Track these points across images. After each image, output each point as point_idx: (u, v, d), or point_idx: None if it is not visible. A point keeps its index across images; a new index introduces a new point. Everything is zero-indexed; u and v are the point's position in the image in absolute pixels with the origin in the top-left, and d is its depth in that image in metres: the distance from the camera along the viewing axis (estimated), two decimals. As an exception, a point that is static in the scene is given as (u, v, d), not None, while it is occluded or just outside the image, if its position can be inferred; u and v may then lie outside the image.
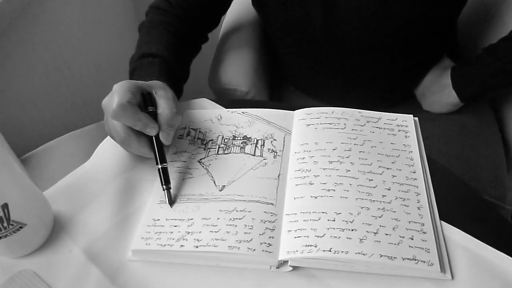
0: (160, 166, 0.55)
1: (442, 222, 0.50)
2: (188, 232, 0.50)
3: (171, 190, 0.54)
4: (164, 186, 0.54)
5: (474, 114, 0.85)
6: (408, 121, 0.60)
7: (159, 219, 0.52)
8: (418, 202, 0.51)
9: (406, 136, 0.58)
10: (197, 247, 0.49)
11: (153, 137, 0.55)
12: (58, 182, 0.59)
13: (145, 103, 0.57)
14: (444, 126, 0.82)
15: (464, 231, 0.49)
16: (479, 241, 0.48)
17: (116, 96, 0.52)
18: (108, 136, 0.64)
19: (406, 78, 0.86)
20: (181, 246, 0.49)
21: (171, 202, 0.54)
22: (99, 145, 0.64)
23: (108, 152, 0.63)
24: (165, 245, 0.49)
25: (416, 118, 0.61)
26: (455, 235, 0.49)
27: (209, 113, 0.65)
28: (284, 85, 0.98)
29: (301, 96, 0.94)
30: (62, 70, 1.07)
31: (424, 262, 0.45)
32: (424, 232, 0.48)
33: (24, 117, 1.05)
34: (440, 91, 0.82)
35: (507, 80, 0.75)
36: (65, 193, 0.58)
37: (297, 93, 0.95)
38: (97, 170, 0.60)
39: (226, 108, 0.66)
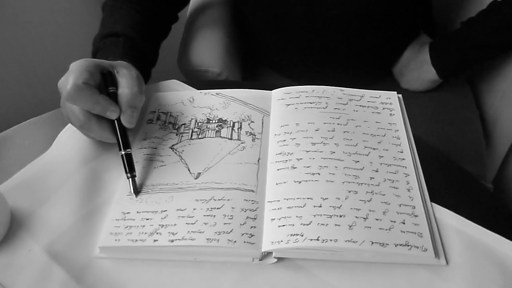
0: (123, 152, 0.50)
1: (433, 204, 0.47)
2: (162, 225, 0.46)
3: (137, 179, 0.50)
4: (129, 174, 0.49)
5: (452, 91, 0.83)
6: (392, 98, 0.57)
7: (129, 212, 0.47)
8: (407, 184, 0.48)
9: (391, 114, 0.55)
10: (172, 241, 0.44)
11: (115, 121, 0.51)
12: (14, 175, 0.53)
13: (105, 83, 0.51)
14: (422, 104, 0.80)
15: (456, 213, 0.46)
16: (473, 223, 0.45)
17: (72, 76, 0.47)
18: (69, 124, 0.59)
19: (382, 55, 0.83)
20: (155, 240, 0.44)
21: (136, 191, 0.49)
22: (59, 133, 0.58)
23: (70, 141, 0.57)
24: (136, 240, 0.45)
25: (400, 95, 0.58)
26: (448, 218, 0.46)
27: (180, 95, 0.60)
28: (257, 65, 0.94)
29: (275, 76, 0.90)
30: (17, 52, 0.99)
31: (418, 247, 0.42)
32: (416, 216, 0.45)
33: None
34: (418, 68, 0.80)
35: (486, 53, 0.73)
36: (22, 187, 0.52)
37: (271, 73, 0.91)
38: (58, 160, 0.55)
39: (199, 89, 0.61)
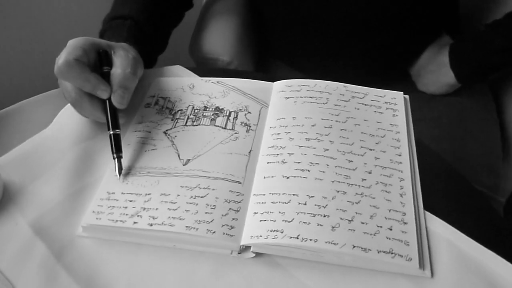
0: (111, 132, 0.50)
1: (426, 212, 0.45)
2: (144, 208, 0.45)
3: (127, 161, 0.49)
4: (115, 155, 0.49)
5: (471, 96, 0.79)
6: (397, 98, 0.54)
7: (114, 192, 0.47)
8: (401, 189, 0.45)
9: (394, 114, 0.53)
10: (151, 225, 0.44)
11: (106, 101, 0.50)
12: (12, 150, 0.54)
13: (100, 62, 0.51)
14: (438, 108, 0.77)
15: (450, 223, 0.44)
16: (465, 235, 0.42)
17: (64, 52, 0.47)
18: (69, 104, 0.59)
19: (400, 55, 0.80)
20: (134, 223, 0.44)
21: (120, 172, 0.49)
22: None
23: (69, 119, 0.57)
24: (117, 220, 0.44)
25: (407, 96, 0.55)
26: (439, 228, 0.44)
27: (181, 81, 0.59)
28: (270, 57, 0.92)
29: (287, 69, 0.88)
30: (28, 31, 1.00)
31: (402, 256, 0.40)
32: (405, 223, 0.43)
33: None
34: (436, 70, 0.76)
35: (509, 59, 0.69)
36: (18, 162, 0.53)
37: (283, 66, 0.89)
38: (55, 138, 0.55)
39: (202, 77, 0.60)
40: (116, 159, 0.49)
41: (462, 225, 0.44)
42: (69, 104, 0.58)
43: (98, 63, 0.51)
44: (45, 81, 0.93)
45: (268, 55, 0.92)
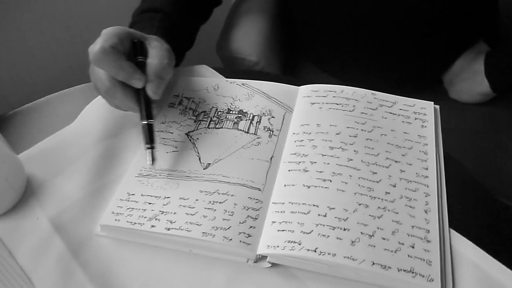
0: (145, 122, 0.49)
1: (451, 230, 0.43)
2: (162, 212, 0.45)
3: (146, 162, 0.49)
4: (148, 145, 0.48)
5: (506, 106, 0.76)
6: (427, 108, 0.52)
7: (134, 194, 0.47)
8: (426, 205, 0.44)
9: (423, 125, 0.51)
10: (168, 229, 0.43)
11: (140, 90, 0.50)
12: (37, 144, 0.55)
13: (135, 52, 0.51)
14: (471, 117, 0.74)
15: (476, 243, 0.42)
16: (492, 258, 0.40)
17: (100, 39, 0.47)
18: (96, 98, 0.59)
19: (434, 61, 0.77)
20: (152, 226, 0.44)
21: (153, 161, 0.48)
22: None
23: (94, 115, 0.58)
24: (135, 223, 0.44)
25: (437, 106, 0.53)
26: (465, 248, 0.42)
27: (206, 81, 0.59)
28: (299, 59, 0.91)
29: (317, 73, 0.87)
30: (59, 25, 1.02)
31: (423, 276, 0.38)
32: (429, 241, 0.41)
33: (15, 72, 1.02)
34: (470, 78, 0.73)
35: None
36: (41, 156, 0.53)
37: (313, 68, 0.87)
38: (79, 133, 0.56)
39: (228, 78, 0.59)
40: (149, 150, 0.48)
41: (490, 246, 0.42)
42: (94, 100, 0.59)
43: (133, 52, 0.50)
44: (73, 75, 0.95)
45: (298, 57, 0.91)
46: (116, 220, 0.45)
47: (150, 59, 0.50)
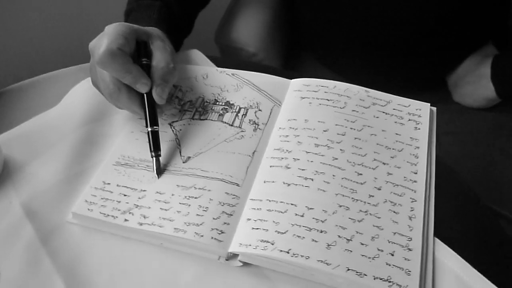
0: (150, 129, 0.47)
1: (436, 239, 0.40)
2: (137, 206, 0.43)
3: (128, 150, 0.48)
4: (153, 153, 0.46)
5: (510, 113, 0.72)
6: (422, 110, 0.50)
7: (109, 183, 0.45)
8: (411, 211, 0.41)
9: (416, 127, 0.48)
10: (141, 224, 0.42)
11: (145, 95, 0.47)
12: (18, 126, 0.53)
13: (138, 53, 0.48)
14: (473, 122, 0.71)
15: (462, 255, 0.39)
16: (476, 271, 0.38)
17: (106, 39, 0.44)
18: (83, 81, 0.57)
19: (440, 61, 0.74)
20: (125, 220, 0.42)
21: (159, 172, 0.46)
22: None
23: (78, 98, 0.56)
24: (108, 215, 0.43)
25: (434, 109, 0.51)
26: (449, 259, 0.39)
27: (195, 70, 0.57)
28: (302, 54, 0.88)
29: (318, 67, 0.84)
30: (51, 4, 1.00)
31: (400, 286, 0.36)
32: (410, 249, 0.39)
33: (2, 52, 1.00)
34: (475, 81, 0.70)
35: None
36: (22, 138, 0.52)
37: (314, 63, 0.85)
38: (62, 117, 0.54)
39: (219, 66, 0.57)
40: (154, 158, 0.46)
41: (476, 258, 0.39)
42: (80, 83, 0.57)
43: (136, 54, 0.48)
44: (62, 57, 0.93)
45: (300, 51, 0.88)
46: (89, 210, 0.43)
47: (156, 62, 0.48)
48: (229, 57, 0.78)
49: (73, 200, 0.45)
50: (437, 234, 0.41)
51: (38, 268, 0.41)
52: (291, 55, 0.88)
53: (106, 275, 0.41)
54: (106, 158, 0.48)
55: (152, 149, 0.46)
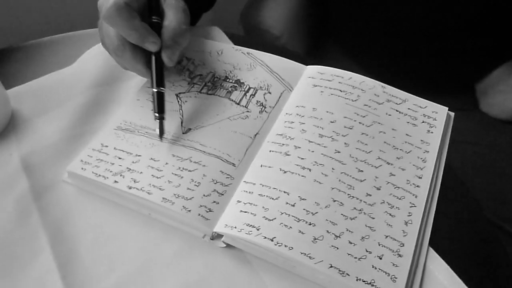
0: (155, 90, 0.45)
1: (430, 249, 0.38)
2: (129, 169, 0.43)
3: (132, 116, 0.47)
4: (157, 115, 0.45)
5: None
6: (439, 113, 0.47)
7: (107, 146, 0.45)
8: (408, 216, 0.39)
9: (429, 131, 0.46)
10: (130, 188, 0.41)
11: (152, 55, 0.46)
12: (30, 81, 0.53)
13: (149, 11, 0.46)
14: (495, 135, 0.67)
15: (455, 269, 0.37)
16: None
17: None
18: (97, 45, 0.57)
19: (471, 66, 0.71)
20: (115, 182, 0.42)
21: (162, 134, 0.45)
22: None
23: (92, 60, 0.56)
24: (99, 175, 0.42)
25: (452, 114, 0.48)
26: (440, 272, 0.37)
27: (211, 45, 0.56)
28: (327, 43, 0.85)
29: (343, 60, 0.81)
30: None
31: (383, 291, 0.35)
32: (400, 255, 0.37)
33: (22, 8, 1.00)
34: (506, 91, 0.67)
35: None
36: (31, 94, 0.52)
37: (340, 54, 0.82)
38: (74, 77, 0.54)
39: (240, 45, 0.55)
40: (158, 120, 0.45)
41: (470, 275, 0.37)
42: (95, 46, 0.57)
43: (147, 11, 0.46)
44: (82, 18, 0.93)
45: (325, 38, 0.85)
46: (82, 169, 0.43)
47: (168, 21, 0.46)
48: (253, 38, 0.76)
49: (71, 160, 0.45)
50: (432, 244, 0.39)
51: (26, 221, 0.41)
52: (316, 44, 0.85)
53: (90, 237, 0.40)
54: (109, 122, 0.48)
55: (156, 111, 0.45)
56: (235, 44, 0.56)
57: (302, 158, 0.42)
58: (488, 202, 0.44)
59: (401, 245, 0.37)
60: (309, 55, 0.82)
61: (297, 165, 0.42)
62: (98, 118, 0.50)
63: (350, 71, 0.50)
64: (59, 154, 0.46)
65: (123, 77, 0.54)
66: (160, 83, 0.45)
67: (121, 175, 0.42)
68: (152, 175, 0.42)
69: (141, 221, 0.41)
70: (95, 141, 0.46)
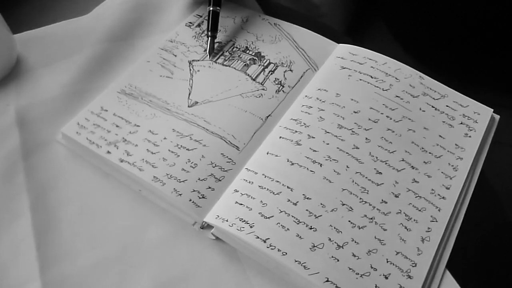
0: (211, 8, 0.46)
1: (447, 273, 0.33)
2: (124, 140, 0.39)
3: (140, 81, 0.44)
4: (210, 33, 0.45)
5: None
6: (482, 115, 0.41)
7: (106, 110, 0.42)
8: (427, 231, 0.34)
9: (466, 134, 0.39)
10: (122, 161, 0.38)
11: None
12: (41, 28, 0.50)
13: None
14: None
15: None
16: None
17: None
18: None
19: None
20: (108, 152, 0.38)
21: (212, 51, 0.46)
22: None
23: (107, 12, 0.52)
24: (93, 143, 0.39)
25: (497, 116, 0.41)
26: (453, 301, 0.32)
27: (238, 11, 0.50)
28: (372, 23, 0.77)
29: (388, 41, 0.73)
30: None
31: (382, 318, 0.30)
32: (410, 277, 0.32)
33: None
34: None
35: None
36: (39, 41, 0.50)
37: (384, 34, 0.74)
38: (86, 28, 0.51)
39: (267, 14, 0.50)
40: (209, 38, 0.45)
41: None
42: None
43: None
44: None
45: (370, 15, 0.77)
46: (77, 133, 0.40)
47: None
48: (291, 5, 0.69)
49: (68, 119, 0.42)
50: (451, 268, 0.33)
51: (10, 181, 0.39)
52: (360, 22, 0.77)
53: (75, 207, 0.38)
54: (113, 83, 0.44)
55: (209, 29, 0.45)
56: (266, 10, 0.50)
57: (315, 151, 0.37)
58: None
59: (413, 264, 0.32)
60: (348, 33, 0.74)
61: (308, 157, 0.37)
62: (105, 75, 0.47)
63: (392, 55, 0.44)
64: (57, 111, 0.44)
65: (138, 33, 0.50)
66: (217, 2, 0.46)
67: (115, 146, 0.39)
68: (147, 149, 0.38)
69: (130, 197, 0.38)
70: (94, 103, 0.42)
